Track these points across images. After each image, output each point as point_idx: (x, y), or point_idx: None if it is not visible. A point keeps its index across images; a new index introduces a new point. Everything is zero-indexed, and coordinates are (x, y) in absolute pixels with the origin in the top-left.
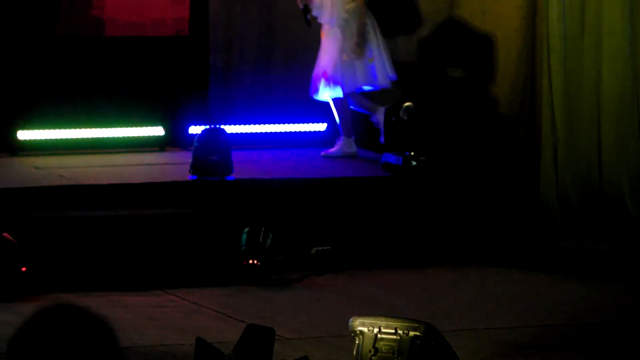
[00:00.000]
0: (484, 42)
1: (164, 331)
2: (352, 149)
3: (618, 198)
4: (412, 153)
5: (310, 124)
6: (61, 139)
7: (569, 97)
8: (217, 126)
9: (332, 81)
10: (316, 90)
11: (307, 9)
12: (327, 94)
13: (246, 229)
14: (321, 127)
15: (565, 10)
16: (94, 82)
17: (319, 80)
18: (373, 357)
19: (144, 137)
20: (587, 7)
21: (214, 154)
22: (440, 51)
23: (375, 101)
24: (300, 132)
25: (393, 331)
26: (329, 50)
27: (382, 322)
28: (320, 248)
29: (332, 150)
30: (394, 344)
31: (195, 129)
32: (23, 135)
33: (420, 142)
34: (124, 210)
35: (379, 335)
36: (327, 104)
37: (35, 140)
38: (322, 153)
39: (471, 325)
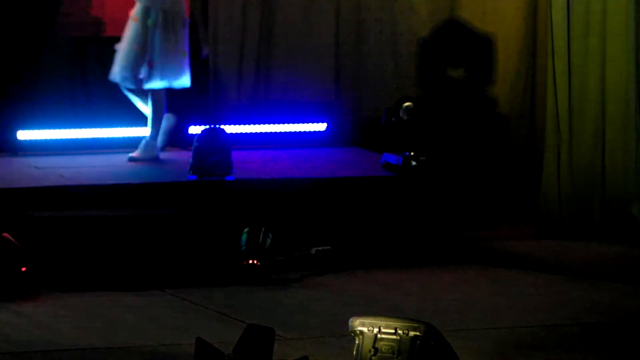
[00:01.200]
0: (484, 42)
1: (164, 331)
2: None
3: (620, 199)
4: (412, 153)
5: (310, 124)
6: (61, 139)
7: (573, 97)
8: (217, 126)
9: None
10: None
11: None
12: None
13: (246, 229)
14: (321, 127)
15: (569, 11)
16: (93, 82)
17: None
18: (373, 357)
19: (144, 137)
20: (592, 8)
21: (214, 154)
22: (440, 51)
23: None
24: (300, 132)
25: (393, 331)
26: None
27: (382, 322)
28: (320, 248)
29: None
30: (394, 344)
31: (195, 129)
32: (23, 135)
33: (420, 142)
34: (124, 210)
35: (378, 335)
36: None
37: (35, 140)
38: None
39: (471, 325)
